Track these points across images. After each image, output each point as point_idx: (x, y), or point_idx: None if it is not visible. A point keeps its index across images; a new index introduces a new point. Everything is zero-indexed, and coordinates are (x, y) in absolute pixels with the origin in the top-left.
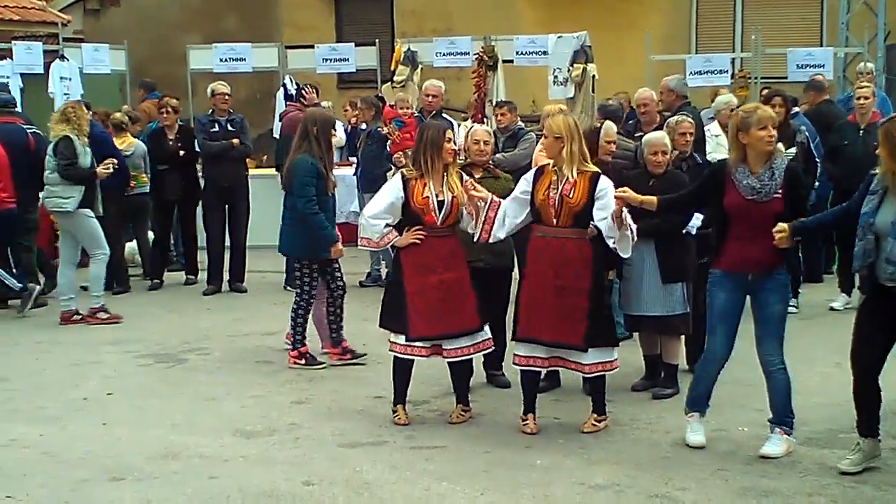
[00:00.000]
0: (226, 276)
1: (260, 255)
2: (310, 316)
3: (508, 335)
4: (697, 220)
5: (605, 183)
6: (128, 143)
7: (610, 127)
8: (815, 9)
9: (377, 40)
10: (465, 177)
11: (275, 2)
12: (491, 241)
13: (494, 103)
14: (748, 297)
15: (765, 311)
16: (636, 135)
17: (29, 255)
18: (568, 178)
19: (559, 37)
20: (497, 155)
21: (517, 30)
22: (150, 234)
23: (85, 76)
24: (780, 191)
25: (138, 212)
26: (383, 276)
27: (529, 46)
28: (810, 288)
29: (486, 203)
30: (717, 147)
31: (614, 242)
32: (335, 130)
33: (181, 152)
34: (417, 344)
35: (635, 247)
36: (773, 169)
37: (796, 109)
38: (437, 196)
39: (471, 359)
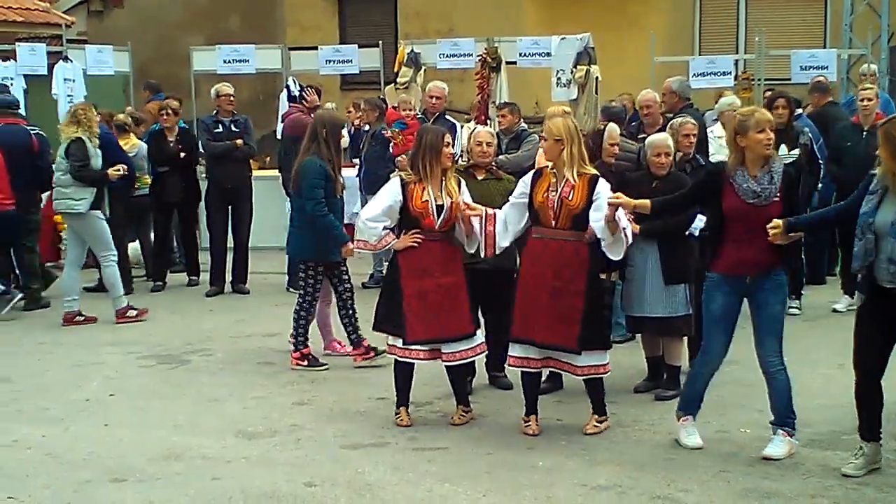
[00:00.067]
0: (228, 278)
1: (262, 256)
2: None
3: None
4: (700, 221)
5: (602, 185)
6: (131, 145)
7: (613, 129)
8: (819, 10)
9: (380, 42)
10: (459, 200)
11: (278, 3)
12: (497, 252)
13: (497, 105)
14: (745, 300)
15: (763, 311)
16: (639, 136)
17: (31, 255)
18: (568, 180)
19: (562, 38)
20: (500, 156)
21: (520, 31)
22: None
23: (88, 77)
24: (778, 194)
25: (142, 213)
26: None
27: (533, 48)
28: (813, 290)
29: (481, 219)
30: (721, 148)
31: (606, 245)
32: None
33: (182, 154)
34: (415, 347)
35: (638, 248)
36: (771, 173)
37: (800, 111)
38: (435, 200)
39: (469, 361)
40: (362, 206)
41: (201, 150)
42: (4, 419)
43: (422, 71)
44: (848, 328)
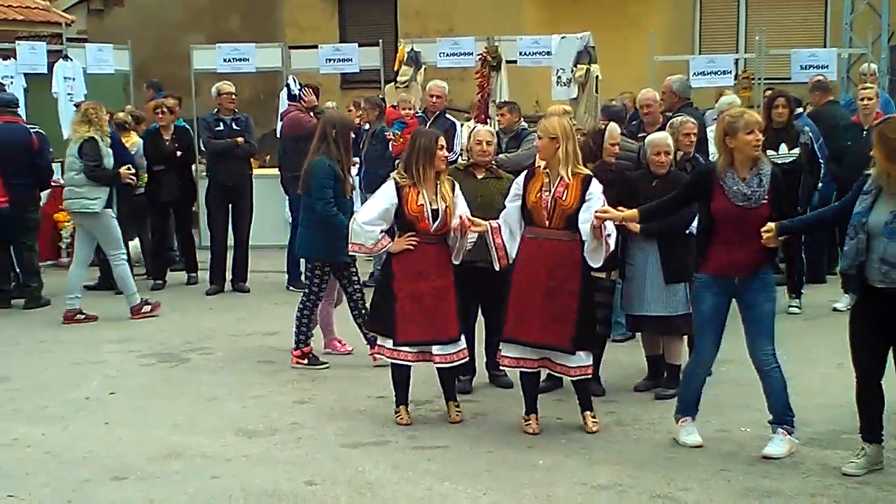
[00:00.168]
0: (228, 276)
1: (263, 254)
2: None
3: None
4: None
5: (595, 186)
6: (131, 143)
7: (614, 129)
8: (819, 10)
9: (381, 41)
10: (463, 215)
11: (278, 3)
12: (510, 262)
13: (497, 104)
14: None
15: (754, 311)
16: (639, 135)
17: (31, 254)
18: (562, 179)
19: (563, 37)
20: (500, 155)
21: (520, 30)
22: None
23: (88, 76)
24: (766, 197)
25: (141, 211)
26: None
27: (533, 47)
28: (813, 289)
29: (488, 233)
30: None
31: (587, 250)
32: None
33: (178, 153)
34: (404, 349)
35: (639, 247)
36: (760, 175)
37: (800, 110)
38: (430, 204)
39: (458, 364)
40: (361, 204)
41: (202, 147)
42: (4, 418)
43: (422, 70)
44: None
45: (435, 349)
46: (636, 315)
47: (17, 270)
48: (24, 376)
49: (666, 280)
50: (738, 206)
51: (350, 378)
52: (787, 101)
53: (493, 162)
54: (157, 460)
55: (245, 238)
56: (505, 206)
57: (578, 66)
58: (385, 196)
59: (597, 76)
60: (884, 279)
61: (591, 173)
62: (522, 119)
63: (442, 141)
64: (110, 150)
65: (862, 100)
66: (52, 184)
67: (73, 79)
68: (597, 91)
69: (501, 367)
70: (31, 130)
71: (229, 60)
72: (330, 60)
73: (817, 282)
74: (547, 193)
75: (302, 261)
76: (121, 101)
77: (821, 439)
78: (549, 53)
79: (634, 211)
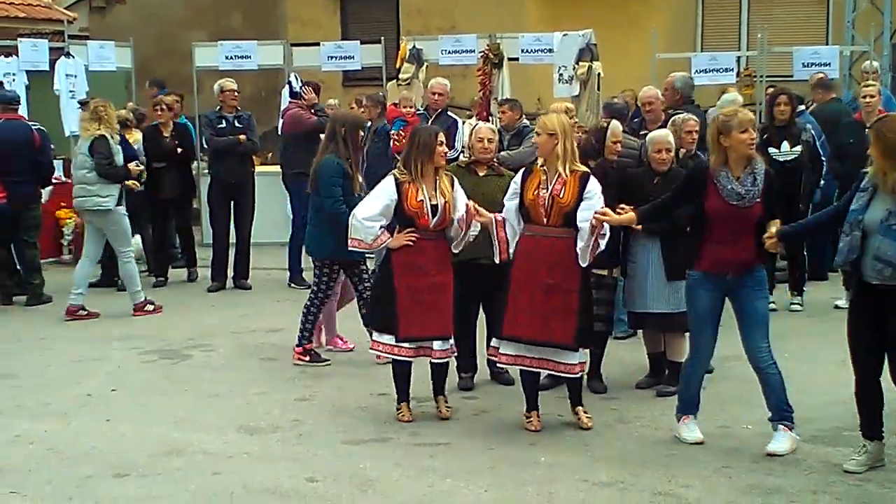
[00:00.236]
0: (230, 273)
1: (264, 251)
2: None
3: None
4: None
5: (593, 185)
6: (132, 141)
7: (616, 127)
8: (821, 7)
9: (382, 38)
10: (470, 203)
11: (279, 0)
12: (510, 257)
13: (499, 101)
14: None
15: (747, 308)
16: (641, 133)
17: (32, 251)
18: (560, 176)
19: (565, 35)
20: (502, 153)
21: (522, 28)
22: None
23: (90, 73)
24: (760, 196)
25: (143, 209)
26: None
27: (535, 44)
28: (815, 286)
29: (493, 225)
30: None
31: (580, 248)
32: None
33: (179, 150)
34: (405, 345)
35: (640, 244)
36: (754, 174)
37: (802, 108)
38: (430, 200)
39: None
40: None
41: (205, 145)
42: (6, 414)
43: (424, 67)
44: None
45: (436, 345)
46: (638, 312)
47: (18, 267)
48: (26, 373)
49: (668, 277)
50: (732, 206)
51: (352, 375)
52: (789, 98)
53: (495, 159)
54: (159, 457)
55: (247, 235)
56: (504, 205)
57: (580, 63)
58: (385, 192)
59: (599, 74)
60: (878, 275)
61: (588, 170)
62: (524, 116)
63: (441, 137)
64: (120, 148)
65: (864, 97)
66: (54, 181)
67: (75, 76)
68: (599, 88)
69: (499, 365)
70: (33, 127)
71: (231, 58)
72: (332, 58)
73: (819, 279)
74: (544, 191)
75: (308, 258)
76: (122, 98)
77: (823, 436)
78: (550, 51)
79: (632, 214)
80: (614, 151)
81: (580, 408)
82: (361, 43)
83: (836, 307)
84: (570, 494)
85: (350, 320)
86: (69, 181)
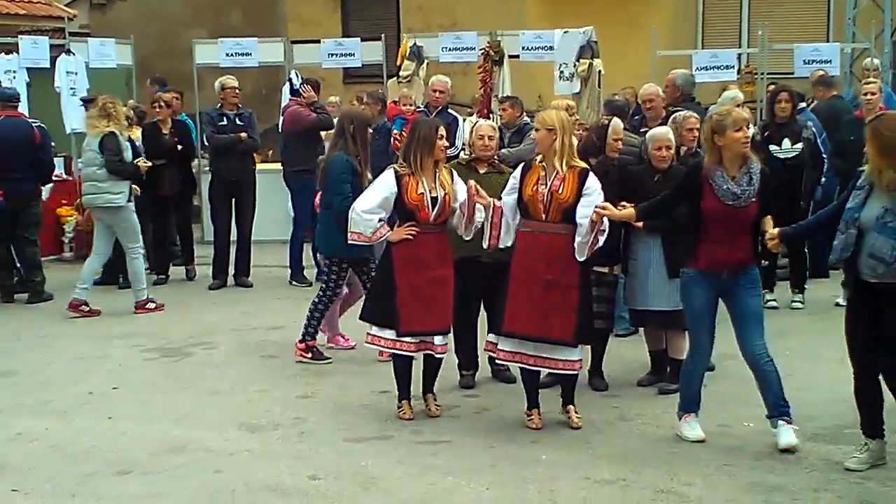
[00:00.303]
0: (231, 271)
1: (265, 249)
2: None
3: None
4: None
5: (592, 181)
6: (134, 138)
7: (617, 124)
8: (822, 4)
9: (383, 35)
10: (472, 182)
11: None
12: (500, 246)
13: (499, 98)
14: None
15: (742, 305)
16: (641, 130)
17: (33, 248)
18: (557, 173)
19: (565, 32)
20: (502, 150)
21: (523, 25)
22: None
23: (91, 70)
24: (756, 196)
25: (143, 206)
26: None
27: (535, 42)
28: (817, 283)
29: (490, 210)
30: None
31: (578, 243)
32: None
33: (178, 147)
34: (406, 339)
35: (642, 242)
36: (750, 173)
37: (803, 105)
38: (430, 192)
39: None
40: None
41: (206, 142)
42: (7, 412)
43: (424, 64)
44: None
45: (437, 339)
46: (640, 310)
47: (18, 265)
48: (27, 371)
49: (669, 274)
50: (728, 206)
51: (353, 373)
52: (790, 95)
53: (496, 157)
54: (161, 454)
55: (248, 233)
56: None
57: (581, 60)
58: (384, 185)
59: (599, 71)
60: (872, 273)
61: (587, 166)
62: (525, 114)
63: (442, 131)
64: (128, 144)
65: (865, 94)
66: (54, 178)
67: (76, 73)
68: (599, 86)
69: (498, 361)
70: (33, 125)
71: (231, 55)
72: (332, 55)
73: (821, 276)
74: (543, 187)
75: (309, 256)
76: (123, 95)
77: (824, 434)
78: (551, 48)
79: (632, 210)
80: (615, 149)
81: (571, 407)
82: (362, 40)
83: (838, 305)
84: (572, 492)
85: (352, 318)
86: (70, 178)
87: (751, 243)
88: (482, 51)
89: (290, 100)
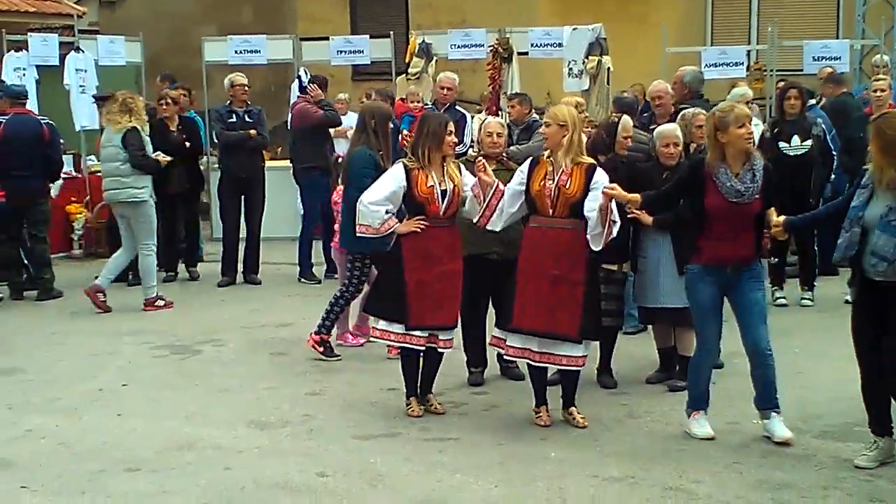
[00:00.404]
0: (240, 268)
1: (274, 246)
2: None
3: None
4: None
5: (600, 175)
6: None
7: (627, 122)
8: (832, 1)
9: (392, 32)
10: (480, 158)
11: None
12: (488, 227)
13: (508, 95)
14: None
15: (745, 299)
16: (651, 127)
17: (42, 245)
18: (564, 169)
19: (574, 29)
20: (511, 147)
21: (532, 22)
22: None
23: (100, 68)
24: (759, 192)
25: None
26: None
27: (544, 38)
28: (826, 281)
29: (491, 189)
30: None
31: (591, 234)
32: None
33: (186, 144)
34: (416, 333)
35: (651, 239)
36: (753, 170)
37: (812, 102)
38: (439, 185)
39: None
40: None
41: (215, 139)
42: (17, 409)
43: (433, 61)
44: None
45: (441, 334)
46: (650, 307)
47: (26, 262)
48: (37, 368)
49: (679, 271)
50: (732, 202)
51: (362, 370)
52: (799, 92)
53: (504, 154)
54: (170, 452)
55: (257, 230)
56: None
57: (590, 57)
58: (393, 178)
59: (608, 68)
60: (874, 271)
61: (594, 162)
62: (534, 111)
63: (451, 126)
64: (148, 139)
65: (875, 91)
66: (63, 175)
67: (85, 70)
68: (608, 83)
69: (506, 357)
70: (42, 122)
71: (241, 52)
72: (341, 52)
73: (830, 274)
74: (550, 182)
75: (318, 253)
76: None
77: (833, 432)
78: (560, 45)
79: (638, 196)
80: (625, 146)
81: (573, 408)
82: (371, 37)
83: (847, 302)
84: (581, 490)
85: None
86: (79, 176)
87: (754, 240)
88: (491, 48)
89: (299, 97)
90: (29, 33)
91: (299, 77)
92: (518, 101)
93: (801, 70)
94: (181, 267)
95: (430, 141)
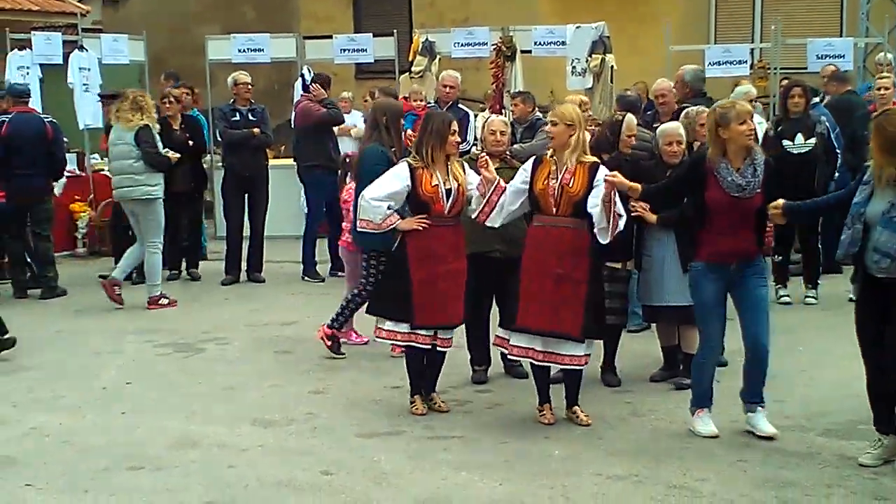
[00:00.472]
0: (244, 266)
1: (278, 245)
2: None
3: None
4: None
5: (603, 173)
6: None
7: (631, 120)
8: None
9: (395, 31)
10: (483, 154)
11: None
12: (487, 223)
13: (511, 94)
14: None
15: (751, 295)
16: (654, 125)
17: (45, 244)
18: (567, 168)
19: (578, 27)
20: (514, 146)
21: (535, 20)
22: None
23: (104, 66)
24: (760, 187)
25: None
26: None
27: (548, 37)
28: (830, 279)
29: (492, 185)
30: None
31: (597, 228)
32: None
33: (190, 142)
34: (421, 332)
35: (655, 237)
36: (754, 165)
37: (816, 100)
38: (444, 184)
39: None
40: None
41: (219, 138)
42: (21, 407)
43: (436, 60)
44: None
45: (442, 333)
46: (654, 305)
47: (30, 261)
48: (41, 366)
49: (684, 270)
50: (733, 197)
51: (365, 368)
52: (803, 90)
53: (508, 152)
54: (174, 450)
55: (260, 228)
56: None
57: (593, 55)
58: (397, 177)
59: (612, 66)
60: (877, 267)
61: (597, 161)
62: (537, 109)
63: (455, 126)
64: (158, 137)
65: (878, 89)
66: (67, 174)
67: (89, 69)
68: (612, 81)
69: (509, 356)
70: (45, 120)
71: (244, 51)
72: (345, 51)
73: (834, 272)
74: (554, 181)
75: (322, 251)
76: None
77: (837, 430)
78: (563, 43)
79: (639, 186)
80: (628, 145)
81: (577, 408)
82: (374, 35)
83: (851, 300)
84: (585, 488)
85: (363, 315)
86: (83, 174)
87: (755, 235)
88: (494, 46)
89: (302, 95)
90: (32, 32)
91: (302, 75)
92: (521, 99)
93: (805, 68)
94: (182, 267)
95: (433, 140)
